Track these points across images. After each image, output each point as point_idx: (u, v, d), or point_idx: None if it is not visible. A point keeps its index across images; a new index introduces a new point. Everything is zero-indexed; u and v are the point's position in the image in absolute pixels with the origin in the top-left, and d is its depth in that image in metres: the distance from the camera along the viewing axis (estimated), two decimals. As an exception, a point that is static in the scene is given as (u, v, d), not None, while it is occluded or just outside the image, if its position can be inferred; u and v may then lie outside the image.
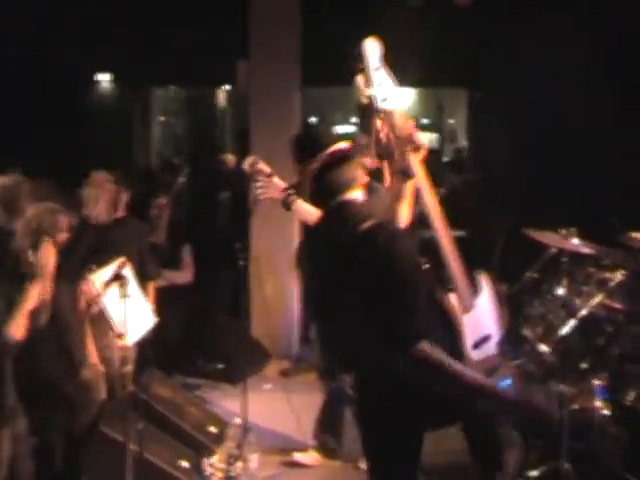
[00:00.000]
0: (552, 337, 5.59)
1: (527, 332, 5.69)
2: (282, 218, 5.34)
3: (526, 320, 5.77)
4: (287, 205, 5.22)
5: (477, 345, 4.29)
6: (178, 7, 12.02)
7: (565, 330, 5.58)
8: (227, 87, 18.76)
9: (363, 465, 5.98)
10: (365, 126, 5.70)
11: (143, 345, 6.26)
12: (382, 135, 5.52)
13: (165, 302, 7.14)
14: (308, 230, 5.02)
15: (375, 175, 4.58)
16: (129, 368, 5.36)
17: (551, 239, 6.01)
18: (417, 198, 4.13)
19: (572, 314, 5.63)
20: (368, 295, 3.92)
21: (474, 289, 4.34)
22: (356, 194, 4.20)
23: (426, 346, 3.81)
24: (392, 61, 4.13)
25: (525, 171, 10.12)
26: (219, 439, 6.34)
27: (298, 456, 6.59)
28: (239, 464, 6.24)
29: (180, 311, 8.21)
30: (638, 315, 5.64)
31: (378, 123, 5.57)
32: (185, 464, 5.72)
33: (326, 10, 10.18)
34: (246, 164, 5.44)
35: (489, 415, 4.12)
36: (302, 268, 6.63)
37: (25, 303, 4.83)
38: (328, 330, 4.45)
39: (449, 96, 17.34)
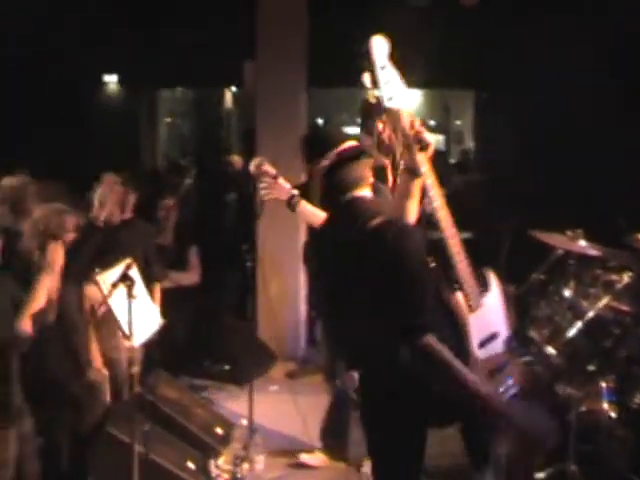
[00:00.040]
0: (559, 339, 5.58)
1: (534, 334, 5.68)
2: (289, 219, 5.33)
3: (533, 322, 5.77)
4: (292, 206, 5.22)
5: (483, 344, 4.30)
6: (185, 8, 12.03)
7: (572, 332, 5.57)
8: (233, 88, 18.78)
9: (365, 469, 6.00)
10: (368, 127, 5.73)
11: (149, 346, 6.27)
12: (384, 136, 5.55)
13: (172, 303, 7.14)
14: (314, 230, 5.02)
15: (377, 175, 4.58)
16: (136, 369, 5.36)
17: (558, 241, 6.01)
18: (424, 196, 4.14)
19: (579, 316, 5.62)
20: (377, 291, 3.93)
21: (482, 287, 4.34)
22: (364, 192, 4.22)
23: (432, 340, 3.82)
24: (399, 62, 4.13)
25: (531, 172, 10.11)
26: (225, 440, 6.34)
27: (304, 457, 6.59)
28: (245, 465, 6.24)
29: (187, 312, 8.21)
30: (645, 317, 5.64)
31: (380, 125, 5.62)
32: (191, 465, 5.72)
33: (333, 11, 10.18)
34: (252, 165, 5.44)
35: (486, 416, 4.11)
36: (309, 266, 6.63)
37: (34, 298, 4.83)
38: (336, 327, 4.46)
39: (456, 97, 17.33)
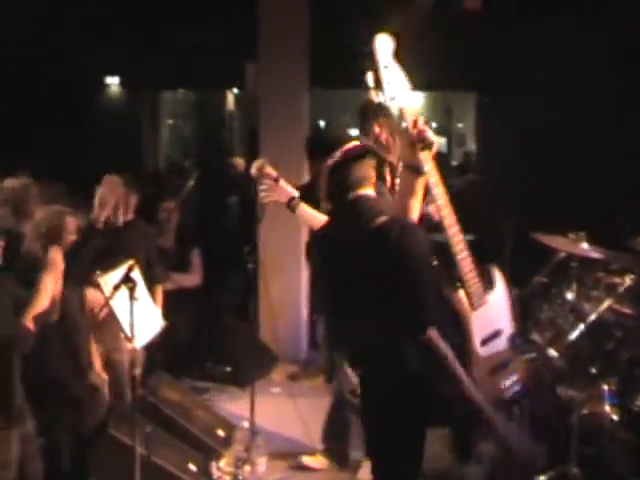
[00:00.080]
0: (561, 342, 5.58)
1: (536, 336, 5.68)
2: (290, 222, 5.33)
3: (535, 324, 5.77)
4: (291, 208, 5.23)
5: (486, 341, 4.31)
6: (186, 10, 12.03)
7: (574, 335, 5.57)
8: (235, 90, 18.77)
9: (360, 475, 6.02)
10: (365, 130, 5.75)
11: (151, 348, 6.26)
12: (382, 139, 5.58)
13: (174, 305, 7.14)
14: (315, 231, 5.02)
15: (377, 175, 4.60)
16: (137, 371, 5.36)
17: (560, 243, 6.00)
18: (427, 195, 4.16)
19: (581, 319, 5.62)
20: (380, 289, 3.95)
21: (486, 285, 4.35)
22: (368, 191, 4.23)
23: (434, 335, 3.83)
24: (401, 64, 4.14)
25: (533, 174, 10.10)
26: (227, 442, 6.34)
27: (306, 460, 6.58)
28: (247, 467, 6.24)
29: (188, 314, 8.21)
30: (647, 320, 5.63)
31: (377, 129, 5.63)
32: (193, 467, 5.73)
33: (335, 12, 10.17)
34: (254, 168, 5.44)
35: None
36: (312, 263, 6.64)
37: (37, 298, 4.83)
38: (339, 325, 4.48)
39: (458, 100, 17.34)
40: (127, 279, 5.00)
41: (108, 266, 5.53)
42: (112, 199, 6.73)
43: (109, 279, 5.27)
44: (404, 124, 4.08)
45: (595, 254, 5.81)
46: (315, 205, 5.05)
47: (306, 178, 7.70)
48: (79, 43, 12.29)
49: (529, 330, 5.72)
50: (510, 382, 4.47)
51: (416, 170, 4.07)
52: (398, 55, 4.13)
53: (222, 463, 6.10)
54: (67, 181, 7.47)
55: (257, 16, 8.95)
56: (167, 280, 7.40)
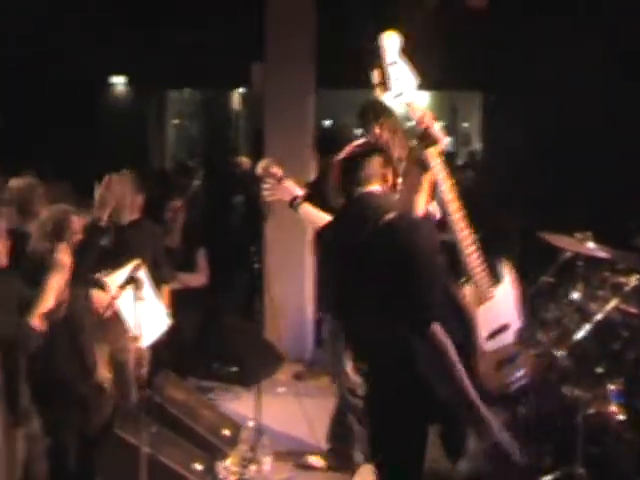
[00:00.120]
0: (567, 341, 5.58)
1: (542, 336, 5.68)
2: (296, 221, 5.32)
3: (541, 324, 5.76)
4: (294, 207, 5.24)
5: (492, 335, 4.30)
6: (193, 10, 12.04)
7: (580, 334, 5.57)
8: (241, 89, 18.77)
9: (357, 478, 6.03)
10: (366, 130, 5.76)
11: (157, 348, 6.27)
12: (383, 140, 5.58)
13: (180, 305, 7.15)
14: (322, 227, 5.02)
15: None
16: (143, 371, 5.36)
17: (566, 243, 6.00)
18: (433, 191, 4.17)
19: (587, 318, 5.62)
20: (386, 286, 3.96)
21: (494, 279, 4.35)
22: (376, 187, 4.24)
23: (438, 330, 3.84)
24: (407, 64, 4.15)
25: (539, 174, 10.10)
26: (233, 442, 6.34)
27: (311, 459, 6.58)
28: (253, 467, 6.25)
29: (194, 314, 8.21)
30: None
31: (377, 129, 5.64)
32: (199, 467, 5.73)
33: (342, 13, 10.17)
34: (259, 167, 5.44)
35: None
36: (319, 256, 6.63)
37: (44, 297, 4.83)
38: (345, 321, 4.49)
39: (463, 99, 17.34)
40: (133, 278, 5.00)
41: (115, 265, 5.54)
42: (111, 198, 6.69)
43: (115, 278, 5.28)
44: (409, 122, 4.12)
45: (601, 254, 5.81)
46: (323, 202, 5.06)
47: (311, 177, 7.71)
48: (85, 43, 12.31)
49: (535, 330, 5.71)
50: (516, 376, 4.47)
51: (422, 166, 4.05)
52: (405, 54, 4.14)
53: (228, 462, 6.11)
54: (73, 180, 7.48)
55: (264, 17, 8.95)
56: (173, 280, 7.40)
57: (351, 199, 4.26)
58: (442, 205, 4.19)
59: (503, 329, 4.38)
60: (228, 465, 6.09)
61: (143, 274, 5.28)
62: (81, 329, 5.44)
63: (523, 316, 4.55)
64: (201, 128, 19.92)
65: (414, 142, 4.10)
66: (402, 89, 4.06)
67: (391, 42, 4.09)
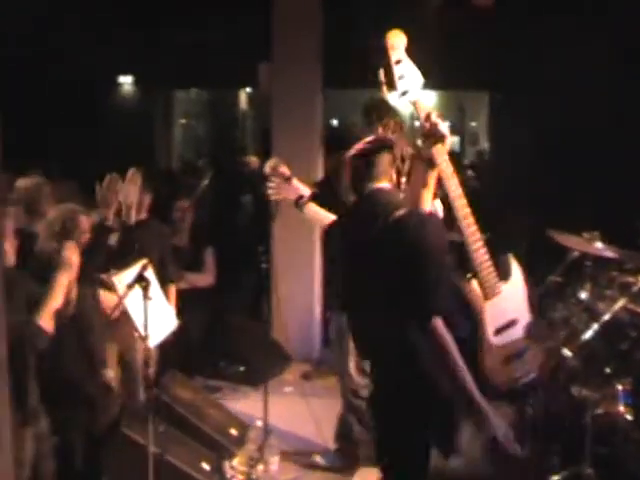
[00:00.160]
0: (575, 341, 5.57)
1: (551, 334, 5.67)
2: (304, 221, 5.34)
3: (549, 324, 5.75)
4: (299, 207, 5.25)
5: (500, 331, 4.31)
6: (200, 9, 12.03)
7: (588, 334, 5.56)
8: (248, 89, 18.78)
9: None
10: (370, 129, 5.77)
11: (165, 347, 6.27)
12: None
13: (187, 304, 7.15)
14: (331, 223, 5.03)
15: None
16: (151, 370, 5.36)
17: (574, 242, 5.99)
18: (439, 187, 4.23)
19: (595, 318, 5.61)
20: (394, 282, 3.97)
21: (502, 275, 4.35)
22: (385, 184, 4.28)
23: (439, 324, 3.84)
24: (414, 63, 4.17)
25: (547, 173, 10.08)
26: (240, 441, 6.35)
27: (319, 459, 6.58)
28: (260, 467, 6.25)
29: (202, 313, 8.21)
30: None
31: (380, 130, 5.65)
32: (206, 466, 5.73)
33: (348, 12, 10.16)
34: (267, 167, 5.44)
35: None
36: (327, 251, 6.63)
37: (52, 296, 4.83)
38: (353, 318, 4.49)
39: (470, 98, 17.32)
40: (141, 278, 5.00)
41: (122, 265, 5.55)
42: (113, 198, 6.68)
43: (123, 278, 5.28)
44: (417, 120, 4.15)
45: (609, 253, 5.80)
46: (331, 200, 5.07)
47: (319, 177, 7.71)
48: (92, 42, 12.31)
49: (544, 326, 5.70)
50: (524, 371, 4.47)
51: (428, 163, 4.09)
52: (411, 53, 4.16)
53: (235, 462, 6.11)
54: (80, 180, 7.48)
55: (271, 16, 8.94)
56: (180, 280, 7.41)
57: (362, 196, 4.26)
58: (446, 202, 4.22)
59: (511, 324, 4.39)
60: (235, 465, 6.10)
61: (151, 274, 5.28)
62: (89, 329, 5.44)
63: (532, 312, 4.55)
64: (208, 128, 19.94)
65: (420, 140, 4.12)
66: (407, 88, 4.11)
67: (396, 41, 4.15)
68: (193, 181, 10.64)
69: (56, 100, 12.41)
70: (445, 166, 4.09)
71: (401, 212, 4.04)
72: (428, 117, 4.06)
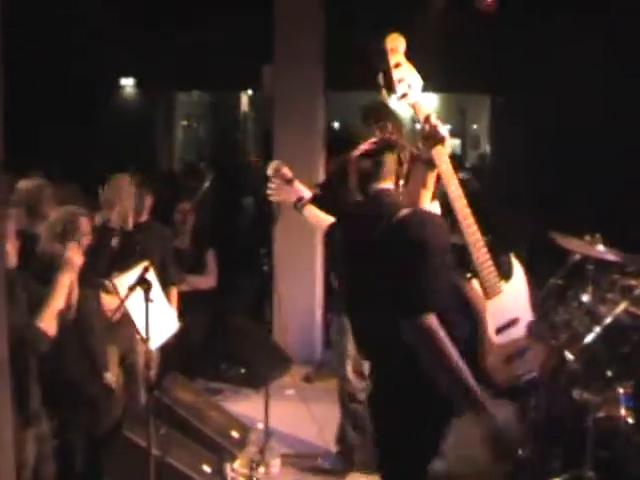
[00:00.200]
0: (577, 344, 5.56)
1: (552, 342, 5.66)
2: (305, 223, 5.33)
3: (551, 327, 5.75)
4: (298, 209, 5.25)
5: (501, 330, 4.31)
6: (201, 11, 12.04)
7: (590, 337, 5.55)
8: (250, 91, 18.80)
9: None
10: (368, 132, 5.78)
11: (166, 349, 6.27)
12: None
13: (188, 307, 7.15)
14: (338, 217, 5.04)
15: None
16: (152, 372, 5.36)
17: (576, 245, 5.98)
18: (437, 187, 4.29)
19: (597, 321, 5.59)
20: (397, 282, 3.97)
21: (503, 274, 4.36)
22: (389, 185, 4.29)
23: (433, 321, 3.85)
24: (415, 66, 4.21)
25: (548, 176, 10.08)
26: (241, 444, 6.34)
27: (320, 462, 6.58)
28: (261, 469, 6.26)
29: (203, 316, 8.22)
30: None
31: (378, 133, 5.67)
32: (207, 469, 5.72)
33: (350, 14, 10.17)
34: (270, 169, 5.44)
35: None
36: (329, 251, 6.64)
37: (53, 298, 4.84)
38: (355, 319, 4.49)
39: (472, 102, 17.36)
40: (142, 280, 5.00)
41: (124, 267, 5.55)
42: (118, 199, 6.69)
43: (124, 280, 5.28)
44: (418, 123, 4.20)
45: (611, 256, 5.79)
46: (332, 202, 5.08)
47: (320, 179, 7.71)
48: (94, 44, 12.32)
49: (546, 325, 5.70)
50: (526, 369, 4.47)
51: (428, 164, 4.17)
52: (413, 56, 4.20)
53: (236, 464, 6.11)
54: (81, 182, 7.49)
55: (273, 18, 8.95)
56: (182, 282, 7.41)
57: (367, 196, 4.28)
58: (446, 204, 4.24)
59: (513, 323, 4.39)
60: (236, 467, 6.10)
61: (152, 276, 5.28)
62: (91, 331, 5.44)
63: (534, 310, 4.56)
64: (209, 130, 19.97)
65: (420, 141, 4.18)
66: (406, 90, 4.16)
67: (395, 44, 4.20)
68: (194, 183, 10.65)
69: (57, 102, 12.41)
70: (445, 167, 4.14)
71: (405, 212, 4.05)
72: (427, 119, 4.13)
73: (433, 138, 4.11)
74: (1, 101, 3.73)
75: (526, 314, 4.49)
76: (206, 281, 8.42)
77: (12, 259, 4.76)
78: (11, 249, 4.74)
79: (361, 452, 6.29)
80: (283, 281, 7.40)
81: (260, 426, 6.68)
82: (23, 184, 6.14)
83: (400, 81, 4.16)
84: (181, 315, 6.33)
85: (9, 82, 3.81)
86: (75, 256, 5.04)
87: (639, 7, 8.69)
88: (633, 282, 5.78)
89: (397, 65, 4.16)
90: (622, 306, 5.61)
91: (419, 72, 4.19)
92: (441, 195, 4.42)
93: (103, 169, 7.01)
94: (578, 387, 5.60)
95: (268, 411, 6.56)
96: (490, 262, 4.24)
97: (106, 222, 6.67)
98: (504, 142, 13.23)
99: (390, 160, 4.28)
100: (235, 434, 6.37)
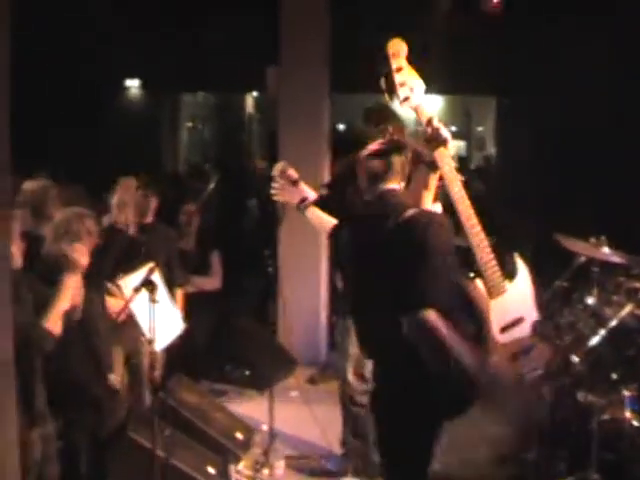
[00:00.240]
0: (582, 347, 5.56)
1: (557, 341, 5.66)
2: (310, 225, 5.33)
3: (556, 329, 5.74)
4: (301, 210, 5.26)
5: (506, 329, 4.32)
6: (207, 13, 12.05)
7: (595, 340, 5.55)
8: (255, 93, 18.81)
9: None
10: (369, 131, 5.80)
11: (171, 351, 6.27)
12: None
13: (193, 308, 7.15)
14: (343, 216, 5.05)
15: None
16: (157, 374, 5.36)
17: (581, 247, 5.98)
18: (439, 189, 4.38)
19: (602, 324, 5.60)
20: (401, 282, 3.98)
21: (507, 273, 4.37)
22: (396, 185, 4.31)
23: (433, 315, 3.85)
24: (420, 68, 4.26)
25: (554, 178, 10.08)
26: (246, 445, 6.34)
27: (324, 463, 6.57)
28: (265, 471, 6.26)
29: (208, 317, 8.22)
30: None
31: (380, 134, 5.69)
32: (212, 470, 5.72)
33: (356, 18, 10.18)
34: (276, 170, 5.44)
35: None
36: (334, 251, 6.65)
37: (59, 298, 4.84)
38: (359, 320, 4.51)
39: (477, 103, 17.34)
40: (147, 282, 5.00)
41: (129, 269, 5.55)
42: (130, 201, 6.73)
43: (129, 282, 5.28)
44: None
45: (616, 258, 5.79)
46: (337, 203, 5.10)
47: (325, 181, 7.70)
48: (99, 45, 12.34)
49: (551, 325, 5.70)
50: (530, 367, 4.47)
51: (430, 166, 4.26)
52: (418, 58, 4.24)
53: (241, 466, 6.11)
54: (86, 183, 7.49)
55: (278, 20, 8.95)
56: (187, 283, 7.41)
57: (374, 196, 4.29)
58: (450, 206, 4.27)
59: (517, 322, 4.41)
60: (241, 469, 6.10)
61: (157, 277, 5.28)
62: (96, 332, 5.44)
63: (539, 309, 4.57)
64: (214, 131, 19.98)
65: (423, 144, 4.27)
66: (408, 94, 4.26)
67: (397, 49, 4.30)
68: (199, 185, 10.66)
69: (63, 103, 12.43)
70: (448, 169, 4.21)
71: (411, 212, 4.10)
72: (430, 122, 4.23)
73: (435, 140, 4.20)
74: (8, 103, 3.74)
75: (531, 313, 4.50)
76: (211, 282, 8.43)
77: (17, 260, 4.76)
78: (16, 250, 4.74)
79: (358, 459, 6.28)
80: (288, 283, 7.37)
81: (264, 428, 6.68)
82: (28, 185, 6.14)
83: (402, 85, 4.26)
84: (186, 316, 6.33)
85: (14, 84, 3.82)
86: (81, 257, 5.04)
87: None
88: (638, 284, 5.78)
89: (399, 69, 4.26)
90: (627, 309, 5.61)
91: (425, 74, 4.25)
92: (443, 196, 4.45)
93: (108, 170, 7.02)
94: (583, 389, 5.60)
95: (273, 413, 6.55)
96: (494, 262, 4.26)
97: (113, 224, 6.69)
98: (509, 144, 13.23)
99: (398, 161, 4.31)
100: (239, 436, 6.36)
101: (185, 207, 8.53)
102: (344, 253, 4.60)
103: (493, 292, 4.28)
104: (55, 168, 8.04)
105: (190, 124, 18.91)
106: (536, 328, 4.50)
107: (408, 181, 4.40)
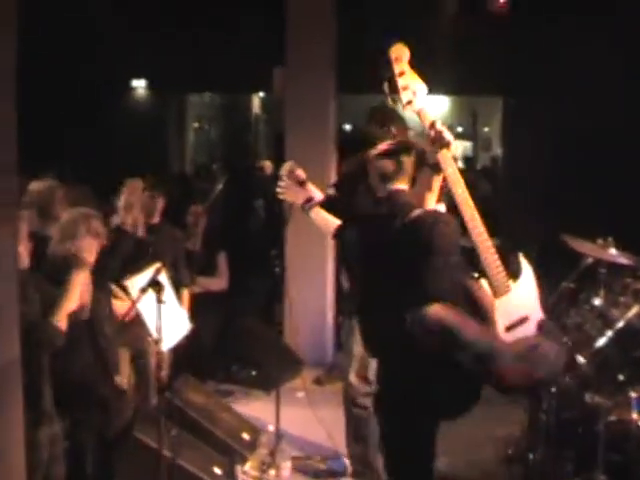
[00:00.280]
0: (589, 348, 5.55)
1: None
2: (316, 225, 5.34)
3: (562, 330, 5.74)
4: (305, 211, 5.26)
5: (510, 328, 4.34)
6: (214, 14, 12.06)
7: (602, 341, 5.55)
8: (261, 94, 18.81)
9: None
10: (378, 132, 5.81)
11: (177, 351, 6.27)
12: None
13: (200, 308, 7.15)
14: (350, 214, 5.06)
15: None
16: (164, 374, 5.36)
17: (588, 249, 5.98)
18: (443, 190, 4.41)
19: (609, 325, 5.59)
20: (405, 282, 4.04)
21: (512, 273, 4.39)
22: (403, 186, 4.36)
23: (437, 308, 3.91)
24: (426, 70, 4.29)
25: (560, 178, 10.07)
26: (252, 446, 6.34)
27: (330, 464, 6.57)
28: (272, 471, 6.25)
29: (214, 317, 8.22)
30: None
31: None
32: (218, 471, 5.72)
33: (362, 19, 10.18)
34: (283, 169, 5.45)
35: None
36: (340, 249, 6.66)
37: (67, 297, 4.85)
38: (365, 319, 4.51)
39: (484, 104, 17.31)
40: (154, 282, 5.00)
41: (136, 269, 5.56)
42: (137, 202, 6.74)
43: (136, 282, 5.28)
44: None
45: (623, 260, 5.79)
46: (344, 203, 5.11)
47: (331, 182, 7.70)
48: (106, 46, 12.35)
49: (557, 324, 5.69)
50: (537, 365, 4.47)
51: (434, 167, 4.30)
52: (424, 59, 4.27)
53: (247, 467, 6.11)
54: (93, 184, 7.50)
55: (285, 21, 8.95)
56: (193, 284, 7.42)
57: (383, 196, 4.31)
58: (454, 207, 4.28)
59: (522, 321, 4.42)
60: (247, 469, 6.10)
61: (164, 278, 5.29)
62: (103, 332, 5.45)
63: (543, 308, 4.58)
64: (221, 132, 19.99)
65: (426, 146, 4.33)
66: (411, 98, 4.33)
67: (399, 53, 4.36)
68: (206, 185, 10.66)
69: (69, 104, 12.44)
70: (451, 171, 4.24)
71: (418, 212, 4.14)
72: (433, 125, 4.28)
73: (439, 143, 4.24)
74: (15, 105, 3.75)
75: (536, 312, 4.52)
76: (217, 283, 8.43)
77: (24, 260, 4.77)
78: (23, 250, 4.75)
79: (357, 462, 6.27)
80: (294, 283, 7.38)
81: (271, 428, 6.68)
82: (35, 186, 6.15)
83: (404, 89, 4.33)
84: (192, 317, 6.33)
85: (22, 86, 3.82)
86: (88, 254, 5.05)
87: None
88: (645, 286, 5.78)
89: (401, 73, 4.33)
90: (634, 310, 5.61)
91: (431, 75, 4.27)
92: (447, 198, 4.47)
93: (115, 171, 7.03)
94: (590, 391, 5.59)
95: (279, 413, 6.55)
96: (498, 262, 4.29)
97: (120, 225, 6.69)
98: (516, 144, 13.22)
99: (408, 161, 4.33)
100: (246, 436, 6.37)
101: (192, 208, 8.53)
102: (352, 253, 4.61)
103: (497, 291, 4.31)
104: (62, 169, 8.06)
105: (197, 124, 18.93)
106: (541, 327, 4.51)
107: (412, 183, 4.42)
